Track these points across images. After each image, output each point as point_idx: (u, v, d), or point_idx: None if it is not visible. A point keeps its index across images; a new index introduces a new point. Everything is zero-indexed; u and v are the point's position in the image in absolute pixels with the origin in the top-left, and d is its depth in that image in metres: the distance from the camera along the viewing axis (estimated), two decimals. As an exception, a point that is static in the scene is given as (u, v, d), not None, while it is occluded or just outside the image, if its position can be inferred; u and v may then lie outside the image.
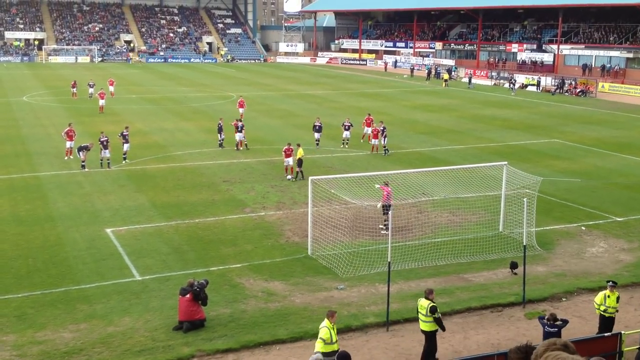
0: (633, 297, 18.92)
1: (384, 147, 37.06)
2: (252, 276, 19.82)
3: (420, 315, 15.14)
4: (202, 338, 16.08)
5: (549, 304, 18.49)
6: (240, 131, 37.54)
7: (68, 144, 34.56)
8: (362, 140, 39.45)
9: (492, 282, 19.89)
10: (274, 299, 18.27)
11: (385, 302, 17.12)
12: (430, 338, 15.11)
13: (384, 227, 23.16)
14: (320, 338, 13.82)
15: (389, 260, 17.21)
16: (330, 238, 22.05)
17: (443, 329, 15.23)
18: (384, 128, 37.16)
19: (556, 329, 14.71)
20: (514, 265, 20.40)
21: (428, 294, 15.20)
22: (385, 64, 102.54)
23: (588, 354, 12.86)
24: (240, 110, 45.67)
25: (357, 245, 22.13)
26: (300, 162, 30.93)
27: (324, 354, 13.35)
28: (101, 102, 50.49)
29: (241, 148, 37.57)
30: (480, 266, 21.07)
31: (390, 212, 19.24)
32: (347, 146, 38.27)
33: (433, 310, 14.87)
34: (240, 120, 39.09)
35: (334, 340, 13.87)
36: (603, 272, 20.77)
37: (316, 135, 38.39)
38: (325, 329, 13.89)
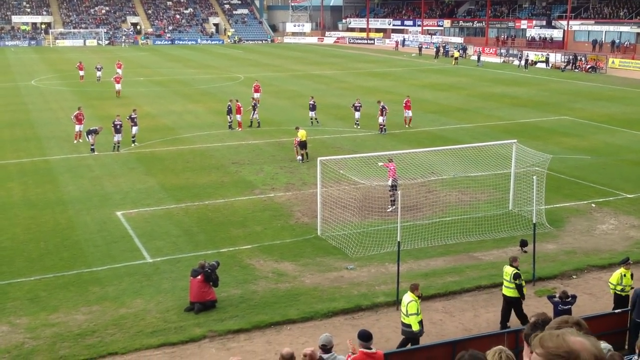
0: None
1: (383, 125, 36.89)
2: (262, 257, 19.91)
3: (504, 281, 15.82)
4: (214, 319, 16.21)
5: (559, 282, 18.50)
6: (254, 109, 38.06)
7: (77, 127, 34.65)
8: (407, 126, 38.68)
9: (501, 260, 19.86)
10: (284, 280, 18.36)
11: (395, 281, 17.17)
12: (516, 305, 15.63)
13: (391, 204, 23.17)
14: (415, 313, 14.17)
15: (398, 239, 17.23)
16: (339, 218, 22.08)
17: (523, 297, 15.63)
18: (384, 107, 36.89)
19: (568, 307, 14.73)
20: (523, 243, 20.39)
21: (512, 261, 15.87)
22: (397, 42, 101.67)
23: (598, 331, 12.88)
24: (256, 95, 44.63)
25: (367, 225, 22.16)
26: (304, 144, 30.83)
27: (404, 325, 14.09)
28: (117, 86, 50.07)
29: (240, 129, 37.80)
30: (490, 244, 21.07)
31: (398, 190, 19.22)
32: (358, 127, 38.06)
33: (516, 276, 15.51)
34: (255, 105, 38.99)
35: (419, 311, 14.35)
36: (613, 249, 20.73)
37: (311, 113, 38.57)
38: (414, 302, 14.23)
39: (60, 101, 48.49)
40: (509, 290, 15.69)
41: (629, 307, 14.46)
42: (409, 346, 14.27)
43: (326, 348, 9.54)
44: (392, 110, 37.91)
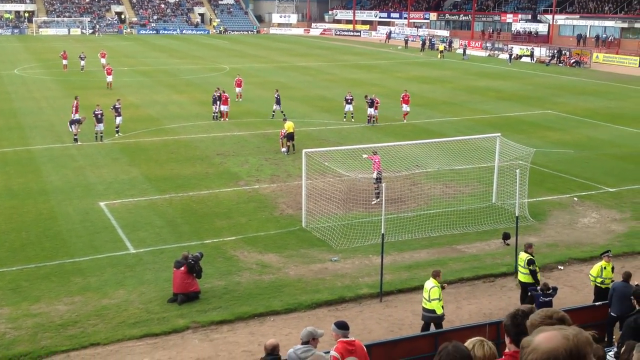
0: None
1: (373, 117, 36.97)
2: (246, 249, 19.89)
3: (519, 267, 16.34)
4: (197, 310, 16.19)
5: (541, 274, 18.60)
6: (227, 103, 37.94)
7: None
8: (405, 120, 38.32)
9: (484, 252, 20.04)
10: (268, 271, 18.37)
11: (378, 273, 17.24)
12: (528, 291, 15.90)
13: (376, 197, 23.25)
14: (437, 298, 14.48)
15: (382, 232, 17.29)
16: (324, 210, 22.11)
17: (537, 282, 15.88)
18: (372, 99, 36.96)
19: (549, 299, 14.87)
20: (506, 236, 20.54)
21: (527, 248, 16.28)
22: (387, 34, 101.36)
23: (578, 323, 12.97)
24: (238, 89, 43.98)
25: (351, 218, 22.21)
26: (291, 136, 30.78)
27: (427, 310, 14.52)
28: (109, 78, 48.74)
29: (223, 120, 37.74)
30: (473, 237, 21.19)
31: (382, 182, 19.28)
32: (352, 119, 37.96)
33: (530, 262, 15.98)
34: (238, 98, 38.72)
35: (441, 296, 14.71)
36: (595, 242, 20.93)
37: (275, 106, 38.32)
38: (436, 288, 14.52)
39: (43, 90, 48.06)
40: (523, 276, 16.22)
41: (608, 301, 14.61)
42: (432, 329, 14.67)
43: (305, 344, 9.56)
44: (380, 104, 37.86)
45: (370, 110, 36.98)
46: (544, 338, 2.97)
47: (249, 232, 21.20)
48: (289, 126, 30.75)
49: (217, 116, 37.94)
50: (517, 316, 4.17)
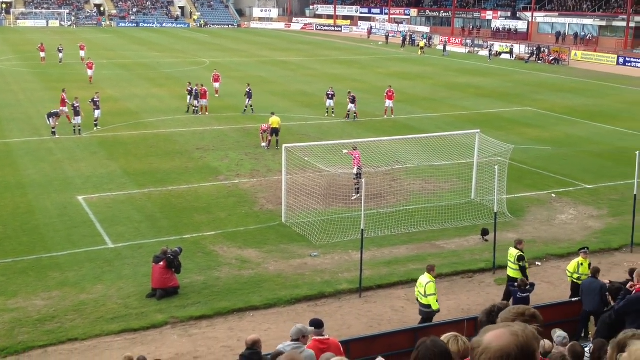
0: (601, 263, 19.23)
1: (354, 112, 37.10)
2: (225, 244, 19.85)
3: (509, 263, 16.51)
4: (176, 305, 16.13)
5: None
6: (196, 97, 37.63)
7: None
8: (385, 116, 38.37)
9: (463, 248, 20.17)
10: (248, 267, 18.34)
11: (358, 269, 17.28)
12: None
13: (356, 192, 23.29)
14: (433, 294, 14.61)
15: (362, 227, 17.34)
16: (304, 206, 22.11)
17: (527, 278, 16.03)
18: (354, 96, 37.13)
19: (527, 295, 15.02)
20: (485, 232, 20.68)
21: (517, 244, 16.52)
22: (369, 30, 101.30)
23: (555, 319, 13.11)
24: (216, 85, 43.30)
25: (331, 213, 22.23)
26: (276, 131, 30.65)
27: (423, 305, 14.70)
28: (89, 72, 47.55)
29: (202, 114, 37.62)
30: (452, 233, 21.32)
31: (362, 178, 19.32)
32: (333, 115, 37.95)
33: (520, 258, 16.18)
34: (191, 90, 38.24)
35: (436, 291, 14.87)
36: (572, 238, 21.15)
37: (247, 101, 38.33)
38: (432, 283, 14.66)
39: (21, 83, 47.49)
40: (513, 272, 16.34)
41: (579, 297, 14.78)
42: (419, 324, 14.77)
43: (295, 341, 9.58)
44: (361, 99, 37.88)
45: (351, 106, 37.05)
46: (493, 337, 2.98)
47: (228, 227, 21.14)
48: (274, 121, 30.60)
49: (196, 110, 37.69)
50: (493, 312, 4.22)
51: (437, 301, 14.81)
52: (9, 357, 13.89)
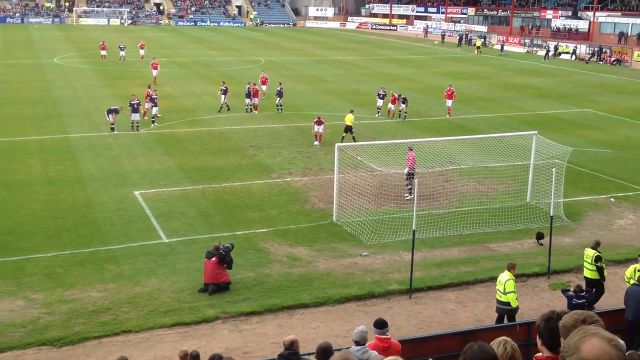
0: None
1: (404, 111, 37.05)
2: (277, 241, 19.97)
3: (585, 264, 16.48)
4: (227, 300, 16.31)
5: (574, 275, 18.38)
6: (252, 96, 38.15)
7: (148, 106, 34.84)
8: (448, 116, 38.02)
9: (517, 252, 19.81)
10: (298, 264, 18.42)
11: (408, 269, 17.16)
12: (597, 287, 16.28)
13: (409, 193, 23.13)
14: (512, 291, 14.77)
15: (413, 228, 17.20)
16: (355, 205, 22.07)
17: (603, 278, 16.15)
18: (405, 97, 37.11)
19: (583, 300, 14.65)
20: (540, 236, 20.27)
21: (595, 245, 16.52)
22: (425, 29, 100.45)
23: (611, 327, 12.76)
24: (263, 87, 42.66)
25: (382, 213, 22.13)
26: (349, 129, 30.75)
27: (502, 303, 14.78)
28: (155, 72, 46.91)
29: (256, 112, 38.01)
30: (506, 236, 20.96)
31: (415, 178, 19.19)
32: (387, 114, 37.85)
33: (598, 259, 16.20)
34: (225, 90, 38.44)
35: (516, 289, 15.03)
36: (631, 244, 20.54)
37: (278, 99, 38.27)
38: (511, 281, 14.80)
39: (81, 80, 48.78)
40: (589, 272, 16.33)
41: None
42: (505, 322, 14.82)
43: (359, 344, 9.63)
44: (415, 99, 37.62)
45: (403, 107, 36.88)
46: (593, 348, 2.91)
47: (279, 224, 21.27)
48: (348, 119, 30.95)
49: (249, 108, 38.10)
50: (551, 319, 4.12)
51: (516, 299, 14.85)
52: (65, 347, 14.29)
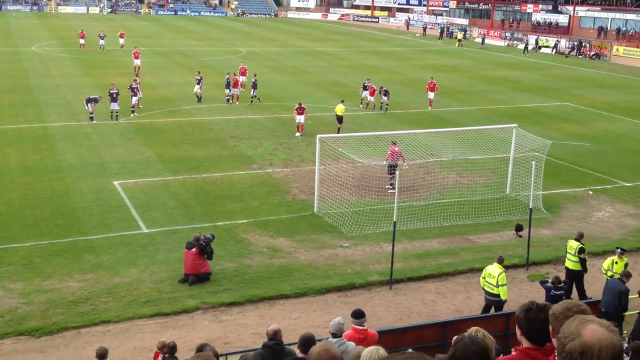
0: (637, 262, 18.96)
1: (386, 104, 37.05)
2: (257, 232, 19.94)
3: (568, 255, 16.63)
4: (207, 291, 16.27)
5: (553, 267, 18.58)
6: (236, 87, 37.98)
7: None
8: (429, 108, 38.23)
9: (496, 243, 19.96)
10: (279, 255, 18.41)
11: (389, 261, 17.23)
12: (577, 279, 16.49)
13: (391, 187, 23.18)
14: (504, 284, 14.95)
15: (394, 219, 17.26)
16: (336, 196, 22.09)
17: (585, 270, 16.34)
18: (385, 89, 37.15)
19: (561, 292, 14.81)
20: (519, 228, 20.44)
21: (579, 237, 16.72)
22: (407, 21, 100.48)
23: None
24: (242, 78, 41.61)
25: (363, 204, 22.18)
26: (340, 119, 31.17)
27: (492, 295, 14.92)
28: (136, 62, 46.49)
29: (233, 102, 37.85)
30: (486, 228, 21.11)
31: (396, 172, 19.23)
32: (366, 107, 37.88)
33: (581, 250, 16.38)
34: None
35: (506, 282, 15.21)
36: (608, 236, 20.78)
37: (252, 91, 38.01)
38: (504, 274, 15.04)
39: (60, 68, 48.22)
40: (571, 263, 16.49)
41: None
42: (492, 312, 15.04)
43: (336, 336, 9.62)
44: (396, 91, 37.68)
45: (384, 99, 36.93)
46: (595, 333, 2.97)
47: (260, 215, 21.23)
48: (339, 109, 31.29)
49: (229, 99, 37.91)
50: (531, 310, 4.14)
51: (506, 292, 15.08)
52: (43, 337, 14.17)
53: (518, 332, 4.17)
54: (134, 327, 14.70)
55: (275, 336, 9.37)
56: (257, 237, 19.61)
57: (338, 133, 29.97)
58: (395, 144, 23.89)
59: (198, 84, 37.79)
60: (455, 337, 3.80)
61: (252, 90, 38.10)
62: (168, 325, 14.82)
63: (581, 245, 16.46)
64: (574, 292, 16.46)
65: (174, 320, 15.04)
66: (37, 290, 15.90)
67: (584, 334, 2.98)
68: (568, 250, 16.69)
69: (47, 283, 16.28)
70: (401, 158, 23.69)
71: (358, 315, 10.36)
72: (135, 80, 35.13)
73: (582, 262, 16.41)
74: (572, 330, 3.02)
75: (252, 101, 38.07)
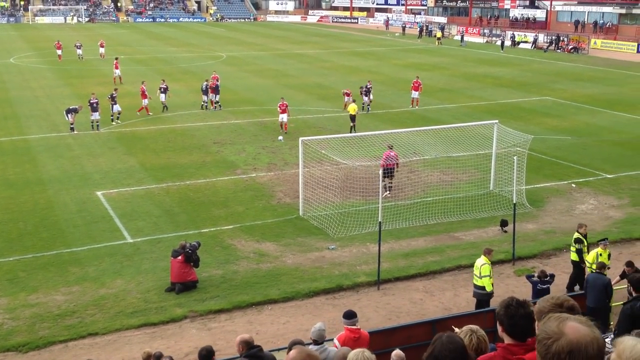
0: (621, 253, 19.08)
1: (368, 104, 37.05)
2: (243, 237, 19.87)
3: (571, 245, 16.85)
4: (195, 299, 16.19)
5: (538, 261, 18.68)
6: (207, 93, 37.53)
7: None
8: (411, 107, 38.35)
9: (482, 240, 20.03)
10: (266, 260, 18.36)
11: (376, 261, 17.23)
12: (577, 270, 16.56)
13: (388, 191, 22.97)
14: (487, 275, 14.90)
15: (379, 220, 17.27)
16: (321, 199, 22.07)
17: (582, 261, 16.43)
18: (369, 87, 37.15)
19: (547, 285, 14.88)
20: (504, 223, 20.52)
21: (579, 228, 16.94)
22: (386, 21, 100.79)
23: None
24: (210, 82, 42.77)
25: (348, 206, 22.17)
26: (353, 118, 31.91)
27: (477, 287, 14.99)
28: (117, 72, 46.27)
29: (211, 109, 37.59)
30: (471, 224, 21.18)
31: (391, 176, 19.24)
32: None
33: (577, 241, 16.59)
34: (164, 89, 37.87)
35: (492, 274, 15.17)
36: (592, 229, 20.87)
37: (211, 96, 37.80)
38: (487, 265, 14.95)
39: (39, 79, 47.84)
40: (572, 254, 16.76)
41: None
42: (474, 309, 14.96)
43: (318, 343, 9.59)
44: (378, 91, 37.75)
45: (366, 99, 36.96)
46: (575, 331, 2.95)
47: (246, 220, 21.17)
48: (352, 108, 32.14)
49: (205, 106, 37.70)
50: (511, 306, 4.15)
51: (492, 284, 14.99)
52: (30, 352, 14.03)
53: (499, 328, 4.18)
54: (122, 338, 14.59)
55: (252, 344, 9.33)
56: (243, 242, 19.55)
57: (351, 132, 30.35)
58: (391, 148, 23.54)
59: (163, 92, 37.18)
60: (435, 335, 3.80)
61: (215, 95, 37.81)
62: (156, 335, 14.72)
63: (578, 236, 16.64)
64: (564, 283, 16.56)
65: (162, 330, 14.94)
66: (23, 305, 15.73)
67: (567, 332, 2.95)
68: (572, 242, 16.99)
69: (33, 297, 16.12)
70: (396, 162, 23.35)
71: (350, 315, 10.40)
72: (115, 90, 34.86)
73: (578, 252, 16.56)
74: (554, 330, 2.98)
75: (215, 107, 37.76)
